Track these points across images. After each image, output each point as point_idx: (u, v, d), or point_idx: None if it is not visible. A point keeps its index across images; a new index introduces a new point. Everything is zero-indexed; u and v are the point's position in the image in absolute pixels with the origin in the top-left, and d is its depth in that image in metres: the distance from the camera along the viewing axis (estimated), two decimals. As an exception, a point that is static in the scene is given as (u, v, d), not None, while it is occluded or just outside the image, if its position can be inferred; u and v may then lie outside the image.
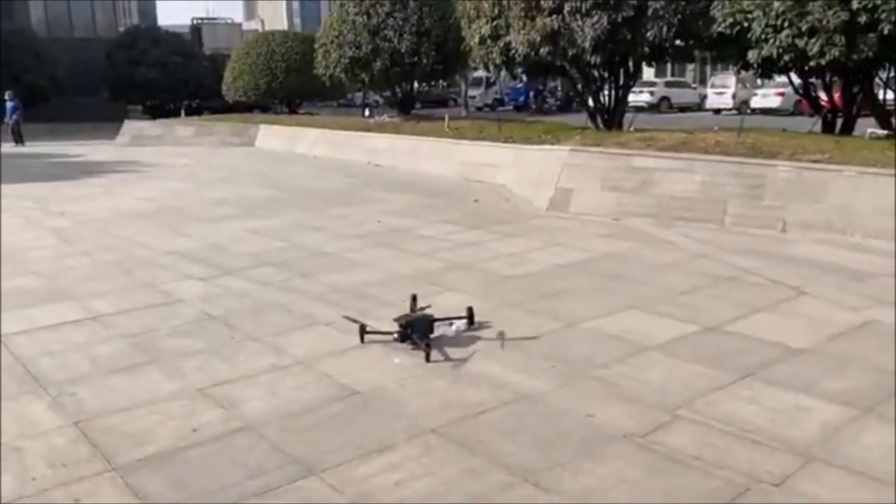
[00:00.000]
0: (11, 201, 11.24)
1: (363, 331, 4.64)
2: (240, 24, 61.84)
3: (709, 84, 34.35)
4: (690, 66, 37.47)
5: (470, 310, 4.91)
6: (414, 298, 5.01)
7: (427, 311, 4.81)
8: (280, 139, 20.64)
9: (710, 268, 6.35)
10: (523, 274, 6.35)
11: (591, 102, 13.71)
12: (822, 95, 12.12)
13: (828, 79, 11.36)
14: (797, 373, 4.03)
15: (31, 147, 22.68)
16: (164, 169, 15.84)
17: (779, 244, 7.11)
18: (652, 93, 33.35)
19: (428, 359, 4.32)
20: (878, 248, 6.70)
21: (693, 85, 37.88)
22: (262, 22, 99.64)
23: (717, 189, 8.10)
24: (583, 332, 4.81)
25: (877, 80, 11.17)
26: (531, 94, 36.98)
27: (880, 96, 11.50)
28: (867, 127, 11.47)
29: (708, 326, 4.83)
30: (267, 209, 10.13)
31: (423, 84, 21.57)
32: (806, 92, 11.94)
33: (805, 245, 7.02)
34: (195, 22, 53.15)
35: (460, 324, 4.78)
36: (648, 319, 5.01)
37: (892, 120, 10.96)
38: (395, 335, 4.54)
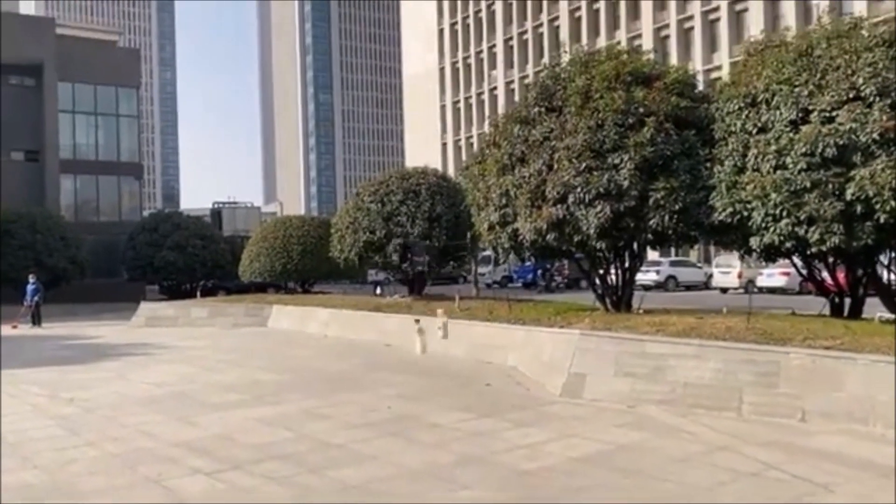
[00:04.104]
0: (20, 387, 11.21)
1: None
2: (259, 208, 64.88)
3: (714, 263, 35.03)
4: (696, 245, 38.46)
5: None
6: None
7: None
8: (293, 319, 20.87)
9: (730, 461, 6.14)
10: (538, 468, 6.15)
11: (598, 282, 13.93)
12: (827, 278, 12.29)
13: (831, 262, 11.57)
14: (835, 587, 3.77)
15: (47, 329, 22.97)
16: (175, 352, 15.90)
17: (800, 435, 6.91)
18: (658, 272, 33.98)
19: None
20: (904, 440, 6.49)
21: (698, 264, 38.66)
22: (281, 204, 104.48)
23: (731, 376, 8.01)
24: (602, 537, 4.57)
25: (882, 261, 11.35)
26: (539, 271, 37.71)
27: (885, 276, 11.64)
28: (875, 306, 11.49)
29: (734, 531, 4.58)
30: (276, 395, 10.04)
31: (434, 265, 22.08)
32: (810, 275, 12.13)
33: (827, 436, 6.81)
34: (216, 206, 55.87)
35: None
36: (671, 522, 4.78)
37: (899, 302, 11.02)
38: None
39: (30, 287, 24.72)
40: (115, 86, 39.68)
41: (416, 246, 4.51)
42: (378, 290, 27.59)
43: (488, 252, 34.27)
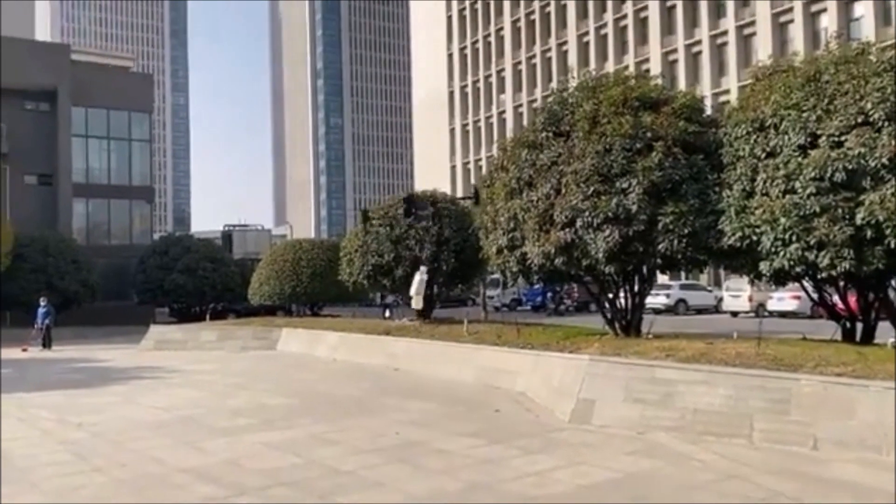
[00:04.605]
0: (29, 411, 11.23)
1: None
2: (269, 230, 65.14)
3: (724, 287, 34.83)
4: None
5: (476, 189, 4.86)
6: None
7: None
8: (301, 342, 20.87)
9: (741, 490, 6.07)
10: (547, 496, 6.09)
11: (607, 306, 13.88)
12: (838, 302, 12.18)
13: (842, 286, 11.48)
14: None
15: (57, 351, 23.04)
16: (184, 375, 15.91)
17: (812, 463, 6.83)
18: (668, 295, 33.84)
19: None
20: (918, 469, 6.40)
21: (709, 288, 38.46)
22: (291, 227, 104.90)
23: (741, 403, 7.94)
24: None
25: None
26: (549, 295, 37.62)
27: (896, 302, 11.52)
28: (888, 330, 11.37)
29: (746, 562, 4.52)
30: (284, 419, 10.01)
31: (443, 288, 22.09)
32: (821, 300, 12.04)
33: (839, 465, 6.73)
34: (226, 228, 56.15)
35: None
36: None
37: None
38: None
39: (41, 310, 24.84)
40: (128, 110, 40.19)
41: (419, 200, 4.60)
42: (387, 314, 27.60)
43: (497, 275, 34.33)
